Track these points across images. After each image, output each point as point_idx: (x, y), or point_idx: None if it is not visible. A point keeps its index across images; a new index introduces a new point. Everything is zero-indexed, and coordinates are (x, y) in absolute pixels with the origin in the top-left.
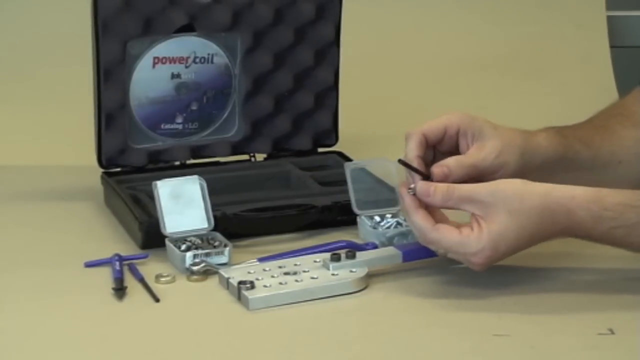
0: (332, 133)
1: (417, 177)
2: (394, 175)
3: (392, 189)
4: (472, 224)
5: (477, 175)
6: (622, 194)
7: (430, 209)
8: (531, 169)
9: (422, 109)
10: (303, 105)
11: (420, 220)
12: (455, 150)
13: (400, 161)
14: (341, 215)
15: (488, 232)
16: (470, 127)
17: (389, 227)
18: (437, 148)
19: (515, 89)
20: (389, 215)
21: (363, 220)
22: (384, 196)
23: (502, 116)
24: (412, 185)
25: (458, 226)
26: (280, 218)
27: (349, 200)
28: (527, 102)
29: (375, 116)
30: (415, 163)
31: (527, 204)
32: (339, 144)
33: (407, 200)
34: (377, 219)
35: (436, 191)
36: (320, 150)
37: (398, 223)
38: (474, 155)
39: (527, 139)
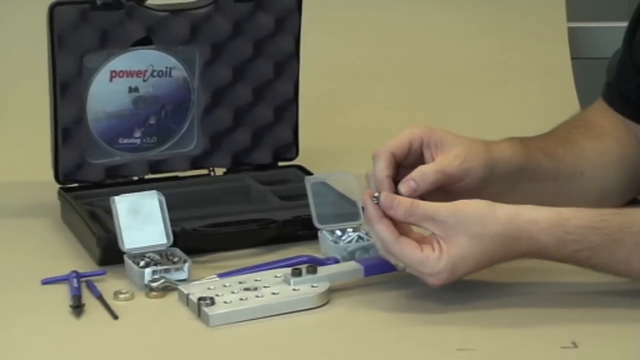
0: (292, 146)
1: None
2: (355, 189)
3: (353, 203)
4: (432, 243)
5: (445, 182)
6: (585, 216)
7: (395, 220)
8: (495, 178)
9: (383, 122)
10: (263, 119)
11: (383, 230)
12: (419, 163)
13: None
14: (302, 230)
15: (448, 255)
16: (433, 138)
17: (350, 242)
18: (401, 163)
19: (477, 100)
20: (350, 230)
21: (324, 235)
22: (345, 210)
23: (464, 127)
24: (376, 194)
25: (421, 241)
26: (241, 233)
27: (310, 215)
28: (489, 113)
29: (336, 129)
30: (385, 183)
31: (489, 230)
32: (299, 157)
33: (371, 209)
34: (339, 233)
35: (399, 205)
36: (280, 164)
37: (359, 237)
38: (439, 161)
39: (490, 147)
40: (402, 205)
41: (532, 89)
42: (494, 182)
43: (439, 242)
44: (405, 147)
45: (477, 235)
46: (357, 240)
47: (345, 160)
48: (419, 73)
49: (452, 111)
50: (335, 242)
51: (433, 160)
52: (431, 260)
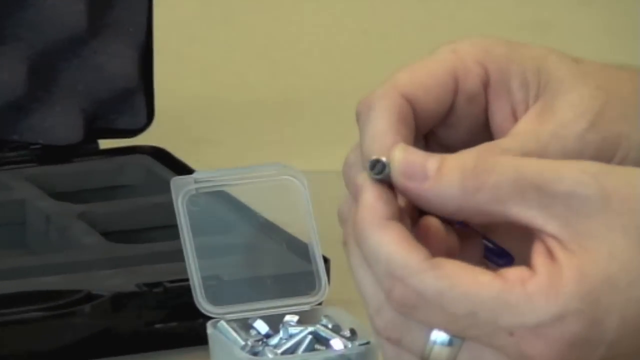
0: (136, 100)
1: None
2: (305, 208)
3: (301, 248)
4: (532, 260)
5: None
6: None
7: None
8: None
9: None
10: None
11: (391, 244)
12: (475, 132)
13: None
14: (165, 321)
15: (580, 275)
16: (517, 68)
17: (293, 349)
18: (436, 131)
19: None
20: (292, 320)
21: (222, 334)
22: (282, 268)
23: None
24: (382, 158)
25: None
26: (14, 328)
27: (187, 281)
28: None
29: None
30: (395, 153)
31: None
32: (153, 128)
33: (367, 199)
34: (261, 328)
35: (445, 168)
36: (104, 143)
37: (317, 336)
38: (547, 124)
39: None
40: (454, 165)
41: None
42: None
43: (550, 253)
44: (442, 89)
45: None
46: (308, 347)
47: (266, 143)
48: None
49: None
50: (254, 354)
51: (514, 117)
52: (533, 291)
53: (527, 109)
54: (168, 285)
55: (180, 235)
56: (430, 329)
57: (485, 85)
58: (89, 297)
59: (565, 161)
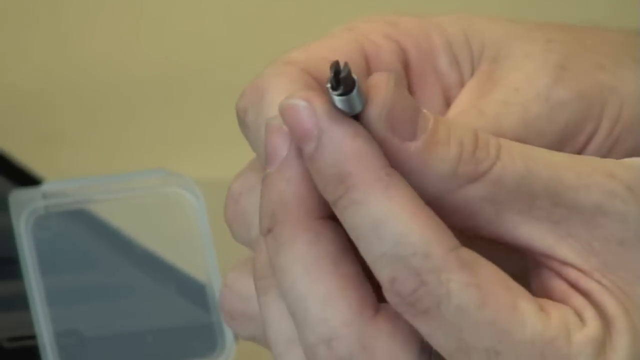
0: None
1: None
2: (199, 229)
3: (197, 289)
4: (564, 297)
5: None
6: None
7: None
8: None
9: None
10: None
11: (404, 217)
12: None
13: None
14: None
15: (634, 335)
16: (443, 41)
17: None
18: None
19: None
20: None
21: None
22: (166, 320)
23: None
24: (348, 71)
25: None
26: None
27: (33, 339)
28: None
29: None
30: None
31: None
32: None
33: (349, 137)
34: None
35: (441, 131)
36: None
37: None
38: (484, 94)
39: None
40: (455, 133)
41: None
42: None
43: (583, 292)
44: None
45: None
46: None
47: (143, 141)
48: None
49: None
50: None
51: (449, 105)
52: (580, 351)
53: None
54: (6, 344)
55: (24, 273)
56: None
57: (404, 66)
58: None
59: (588, 158)
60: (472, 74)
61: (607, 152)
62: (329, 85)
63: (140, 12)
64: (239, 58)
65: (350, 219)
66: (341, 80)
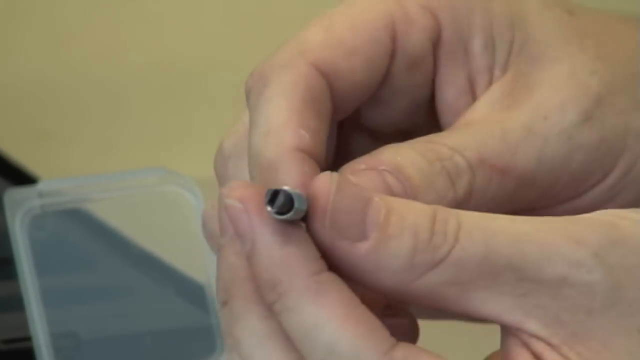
0: None
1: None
2: (198, 229)
3: (195, 290)
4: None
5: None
6: None
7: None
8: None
9: None
10: None
11: (335, 322)
12: (415, 113)
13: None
14: None
15: None
16: (486, 21)
17: None
18: (360, 109)
19: None
20: None
21: None
22: (162, 319)
23: None
24: (285, 189)
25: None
26: None
27: (29, 340)
28: None
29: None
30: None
31: None
32: None
33: (278, 243)
34: None
35: (393, 224)
36: None
37: None
38: (510, 108)
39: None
40: (407, 224)
41: None
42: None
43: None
44: (373, 49)
45: None
46: None
47: (141, 139)
48: None
49: None
50: None
51: (472, 93)
52: None
53: (490, 82)
54: (1, 346)
55: (19, 274)
56: None
57: (435, 43)
58: None
59: (554, 221)
60: (505, 62)
61: (608, 200)
62: (265, 199)
63: (137, 10)
64: (237, 56)
65: (285, 324)
66: (277, 207)
